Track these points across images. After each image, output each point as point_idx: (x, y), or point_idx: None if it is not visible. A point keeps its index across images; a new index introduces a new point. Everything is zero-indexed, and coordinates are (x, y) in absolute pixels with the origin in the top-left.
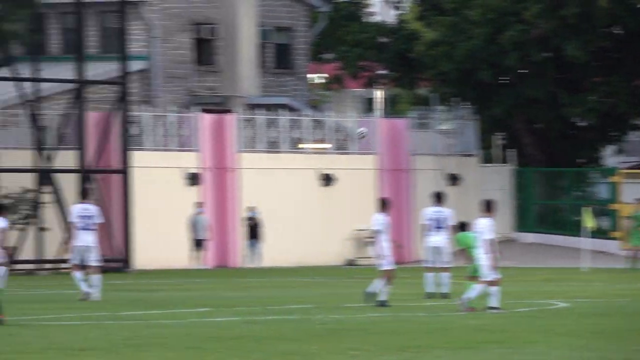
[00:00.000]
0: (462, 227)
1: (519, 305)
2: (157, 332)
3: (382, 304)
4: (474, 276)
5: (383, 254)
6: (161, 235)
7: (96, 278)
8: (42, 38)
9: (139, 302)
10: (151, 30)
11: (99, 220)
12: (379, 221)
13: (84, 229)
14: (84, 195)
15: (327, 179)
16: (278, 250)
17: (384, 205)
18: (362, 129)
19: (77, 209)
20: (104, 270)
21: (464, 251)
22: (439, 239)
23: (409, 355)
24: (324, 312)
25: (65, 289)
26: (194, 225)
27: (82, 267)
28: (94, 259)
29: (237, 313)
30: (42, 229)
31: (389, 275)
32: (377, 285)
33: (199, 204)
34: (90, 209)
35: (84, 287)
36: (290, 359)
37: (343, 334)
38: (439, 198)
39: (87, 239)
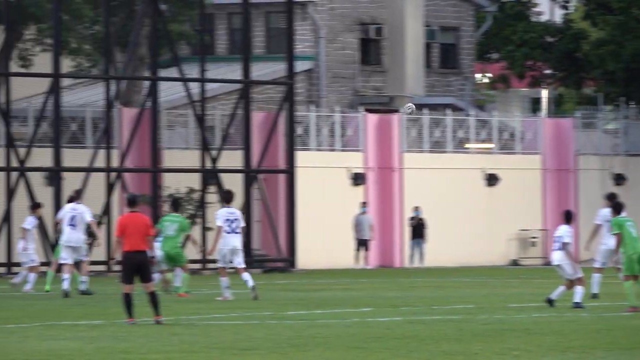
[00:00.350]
0: (617, 209)
1: None
2: (321, 331)
3: (578, 305)
4: (630, 275)
5: (571, 263)
6: (325, 235)
7: (245, 275)
8: (209, 38)
9: (302, 301)
10: (317, 30)
11: (243, 224)
12: (562, 231)
13: (231, 232)
14: (227, 199)
15: (492, 179)
16: (442, 250)
17: (568, 217)
18: (409, 105)
19: (223, 213)
20: (269, 270)
21: (618, 236)
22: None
23: (572, 356)
24: (487, 313)
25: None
26: (358, 225)
27: (229, 269)
28: (239, 261)
29: (400, 313)
30: (207, 229)
31: (578, 282)
32: (560, 292)
33: (363, 204)
34: (235, 212)
35: (227, 293)
36: (451, 358)
37: (506, 335)
38: (612, 199)
39: (234, 242)
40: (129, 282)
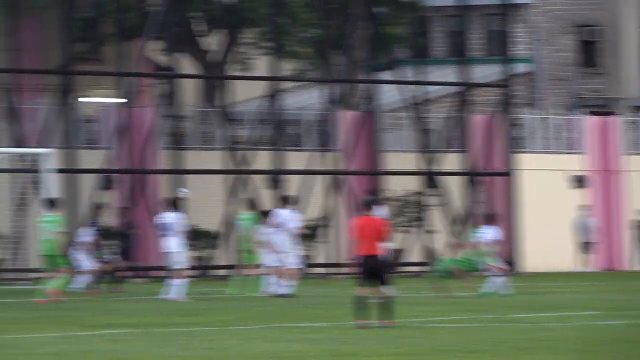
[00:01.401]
0: None
1: None
2: (545, 335)
3: None
4: None
5: None
6: (547, 238)
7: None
8: (426, 41)
9: (525, 304)
10: (535, 32)
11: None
12: None
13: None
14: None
15: None
16: None
17: None
18: (183, 190)
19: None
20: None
21: None
22: None
23: None
24: None
25: (454, 291)
26: (581, 228)
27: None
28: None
29: (628, 317)
30: (428, 232)
31: None
32: None
33: (585, 207)
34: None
35: None
36: None
37: None
38: None
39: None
40: (363, 285)
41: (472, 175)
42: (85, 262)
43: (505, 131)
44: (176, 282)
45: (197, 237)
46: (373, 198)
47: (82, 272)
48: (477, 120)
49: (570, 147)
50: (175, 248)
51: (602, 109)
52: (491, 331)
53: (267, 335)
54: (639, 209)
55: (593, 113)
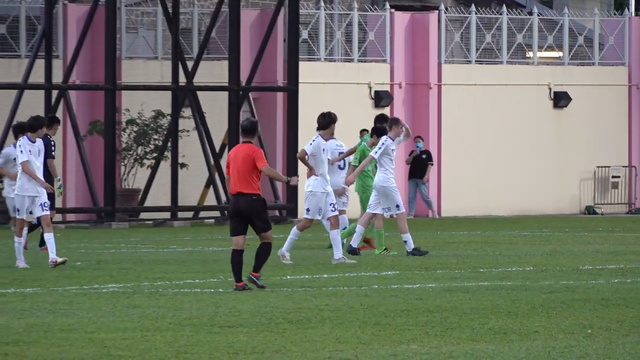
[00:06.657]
0: None
1: None
2: (328, 302)
3: None
4: None
5: None
6: None
7: None
8: None
9: (305, 262)
10: None
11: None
12: None
13: None
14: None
15: (561, 99)
16: (491, 194)
17: None
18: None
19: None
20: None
21: None
22: None
23: None
24: (551, 277)
25: None
26: None
27: None
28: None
29: (435, 278)
30: (181, 165)
31: None
32: None
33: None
34: None
35: None
36: (503, 338)
37: (576, 307)
38: None
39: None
40: (235, 234)
41: (243, 91)
42: None
43: (287, 33)
44: None
45: None
46: (255, 122)
47: None
48: (251, 17)
49: (373, 53)
50: None
51: (416, 2)
52: (256, 298)
53: None
54: (417, 137)
55: (403, 8)
